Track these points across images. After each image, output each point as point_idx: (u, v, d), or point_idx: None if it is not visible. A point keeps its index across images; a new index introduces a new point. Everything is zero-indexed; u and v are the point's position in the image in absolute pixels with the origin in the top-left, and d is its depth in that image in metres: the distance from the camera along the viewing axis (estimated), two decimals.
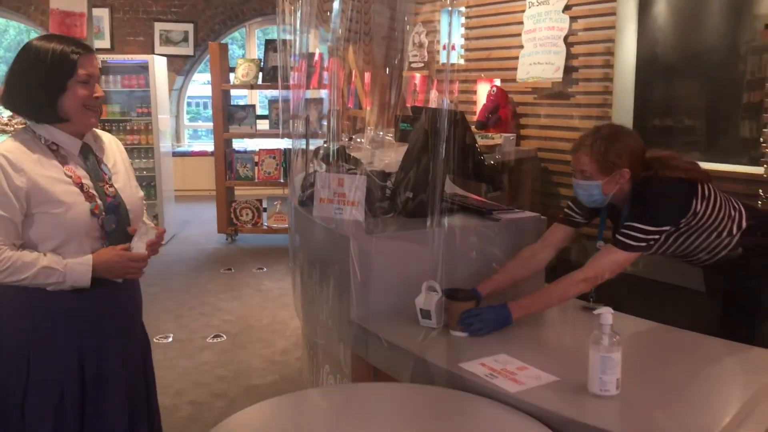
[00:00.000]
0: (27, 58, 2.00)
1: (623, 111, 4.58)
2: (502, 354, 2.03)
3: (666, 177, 2.31)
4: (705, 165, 4.05)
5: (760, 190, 3.68)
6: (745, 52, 4.11)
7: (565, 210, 2.54)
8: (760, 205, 3.78)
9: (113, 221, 2.06)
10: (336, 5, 3.34)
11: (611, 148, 2.32)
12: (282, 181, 6.88)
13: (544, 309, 2.35)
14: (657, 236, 2.27)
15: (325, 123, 3.78)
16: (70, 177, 2.01)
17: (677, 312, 2.78)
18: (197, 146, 10.53)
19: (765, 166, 3.89)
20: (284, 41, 3.56)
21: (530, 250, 2.48)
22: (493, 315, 2.22)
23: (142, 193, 2.25)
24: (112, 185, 2.10)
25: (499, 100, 5.29)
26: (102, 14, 9.39)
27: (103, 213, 2.03)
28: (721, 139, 4.27)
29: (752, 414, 1.74)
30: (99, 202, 2.03)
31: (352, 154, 3.07)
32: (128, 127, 7.18)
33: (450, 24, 5.76)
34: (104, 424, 2.08)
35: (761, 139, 3.91)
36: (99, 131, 2.21)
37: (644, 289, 3.83)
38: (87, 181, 2.04)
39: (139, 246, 2.08)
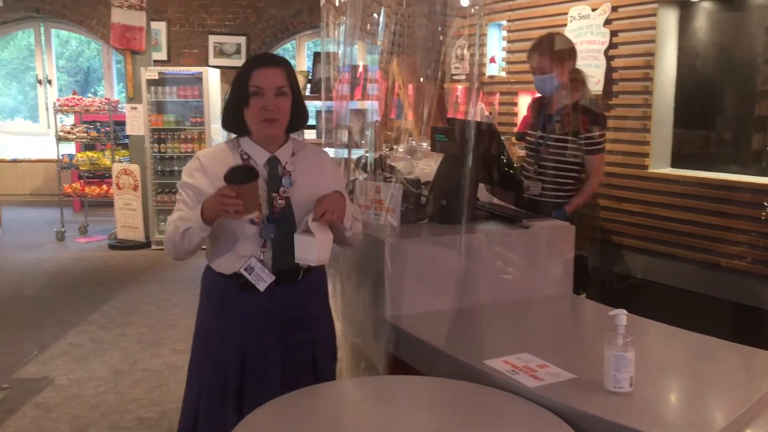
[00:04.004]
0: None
1: (663, 124, 4.62)
2: (525, 353, 2.14)
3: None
4: (745, 178, 4.07)
5: None
6: None
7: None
8: None
9: (272, 231, 2.21)
10: (380, 19, 3.49)
11: (557, 48, 3.40)
12: None
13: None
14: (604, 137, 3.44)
15: (368, 133, 3.93)
16: None
17: (691, 316, 2.85)
18: None
19: None
20: (328, 53, 3.72)
21: None
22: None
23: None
24: (283, 197, 2.23)
25: None
26: (160, 27, 9.76)
27: (264, 222, 2.20)
28: (762, 153, 4.28)
29: (761, 414, 1.82)
30: (264, 212, 2.19)
31: (391, 163, 3.21)
32: (182, 136, 7.45)
33: (478, 37, 5.86)
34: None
35: None
36: (310, 144, 2.41)
37: (660, 295, 3.90)
38: (261, 191, 2.18)
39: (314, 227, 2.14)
